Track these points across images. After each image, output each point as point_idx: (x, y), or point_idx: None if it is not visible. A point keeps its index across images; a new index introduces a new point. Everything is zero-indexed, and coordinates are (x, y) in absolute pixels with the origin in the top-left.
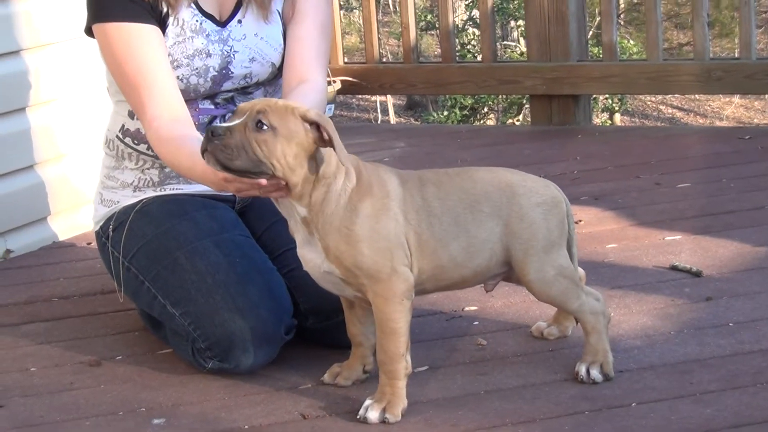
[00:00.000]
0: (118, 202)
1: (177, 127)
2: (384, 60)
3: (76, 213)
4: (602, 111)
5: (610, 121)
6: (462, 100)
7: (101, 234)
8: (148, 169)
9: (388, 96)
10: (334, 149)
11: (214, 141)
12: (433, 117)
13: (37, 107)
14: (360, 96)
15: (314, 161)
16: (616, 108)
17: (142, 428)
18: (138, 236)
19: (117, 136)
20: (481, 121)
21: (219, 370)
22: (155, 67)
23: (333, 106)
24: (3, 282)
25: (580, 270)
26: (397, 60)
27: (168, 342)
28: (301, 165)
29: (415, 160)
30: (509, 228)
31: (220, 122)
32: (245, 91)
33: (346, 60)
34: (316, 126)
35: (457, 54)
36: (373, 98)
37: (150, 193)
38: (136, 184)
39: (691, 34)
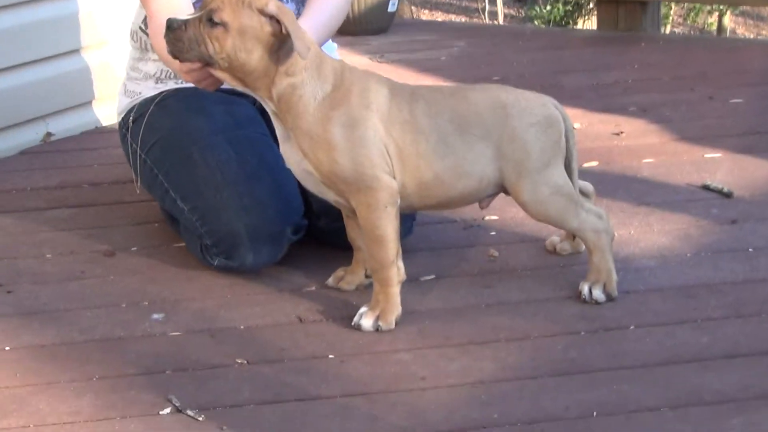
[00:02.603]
0: (140, 93)
1: None
2: None
3: None
4: (709, 13)
5: (716, 25)
6: None
7: (122, 125)
8: None
9: None
10: (293, 42)
11: (169, 34)
12: (536, 11)
13: None
14: None
15: (276, 55)
16: (723, 11)
17: (141, 322)
18: (155, 129)
19: (140, 28)
20: (585, 17)
21: (225, 267)
22: None
23: (398, 1)
24: (39, 165)
25: (589, 186)
26: None
27: (181, 236)
28: (256, 58)
29: (471, 61)
30: (501, 150)
31: None
32: None
33: None
34: (276, 20)
35: None
36: None
37: (171, 85)
38: (158, 75)
39: None
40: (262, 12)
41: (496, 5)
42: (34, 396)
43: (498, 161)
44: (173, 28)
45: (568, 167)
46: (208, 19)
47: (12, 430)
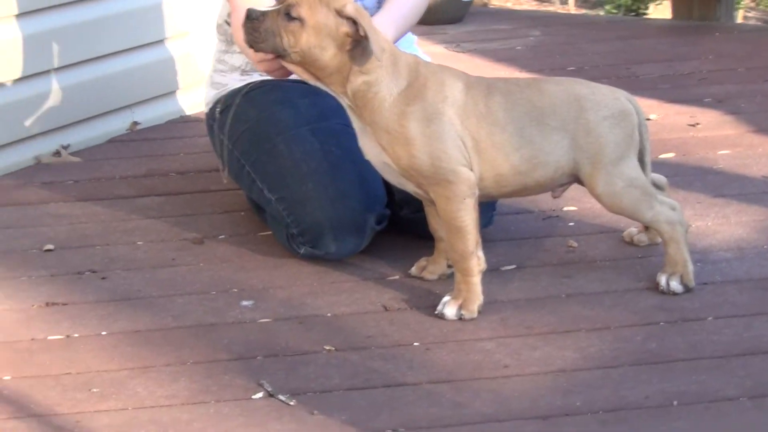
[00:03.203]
0: (226, 85)
1: None
2: None
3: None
4: None
5: None
6: None
7: (209, 116)
8: None
9: None
10: (369, 44)
11: (247, 23)
12: None
13: None
14: None
15: (350, 54)
16: None
17: (231, 309)
18: (242, 121)
19: (225, 21)
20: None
21: (311, 256)
22: None
23: None
24: (127, 153)
25: (662, 178)
26: None
27: (268, 225)
28: (329, 56)
29: (546, 50)
30: (576, 142)
31: None
32: None
33: None
34: (353, 21)
35: None
36: None
37: (256, 77)
38: (244, 67)
39: None
40: (339, 13)
41: None
42: (131, 380)
43: (573, 152)
44: (251, 18)
45: (641, 160)
46: (285, 12)
47: (111, 412)
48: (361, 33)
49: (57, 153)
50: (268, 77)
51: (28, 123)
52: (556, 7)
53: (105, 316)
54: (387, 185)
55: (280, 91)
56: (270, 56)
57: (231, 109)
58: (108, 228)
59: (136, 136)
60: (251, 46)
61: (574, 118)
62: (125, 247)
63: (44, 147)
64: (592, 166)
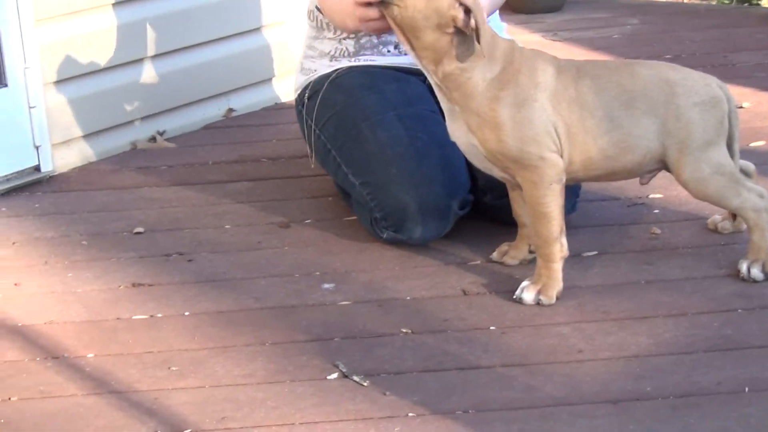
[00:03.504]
0: (315, 70)
1: None
2: None
3: None
4: None
5: None
6: None
7: (298, 101)
8: (344, 39)
9: None
10: (478, 40)
11: None
12: None
13: None
14: None
15: (449, 39)
16: None
17: (313, 291)
18: (329, 106)
19: (316, 7)
20: None
21: (394, 240)
22: None
23: None
24: (221, 140)
25: (750, 165)
26: None
27: (353, 209)
28: (427, 31)
29: (643, 39)
30: (665, 127)
31: None
32: None
33: None
34: (467, 10)
35: None
36: None
37: (345, 63)
38: (333, 53)
39: None
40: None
41: None
42: (210, 359)
43: (662, 137)
44: None
45: (730, 147)
46: None
47: (189, 390)
48: (471, 27)
49: (153, 139)
50: (357, 63)
51: (125, 109)
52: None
53: (189, 297)
54: (471, 170)
55: (367, 77)
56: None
57: (319, 94)
58: (198, 212)
59: (230, 122)
60: None
61: (664, 102)
62: (213, 231)
63: (141, 133)
64: (679, 152)
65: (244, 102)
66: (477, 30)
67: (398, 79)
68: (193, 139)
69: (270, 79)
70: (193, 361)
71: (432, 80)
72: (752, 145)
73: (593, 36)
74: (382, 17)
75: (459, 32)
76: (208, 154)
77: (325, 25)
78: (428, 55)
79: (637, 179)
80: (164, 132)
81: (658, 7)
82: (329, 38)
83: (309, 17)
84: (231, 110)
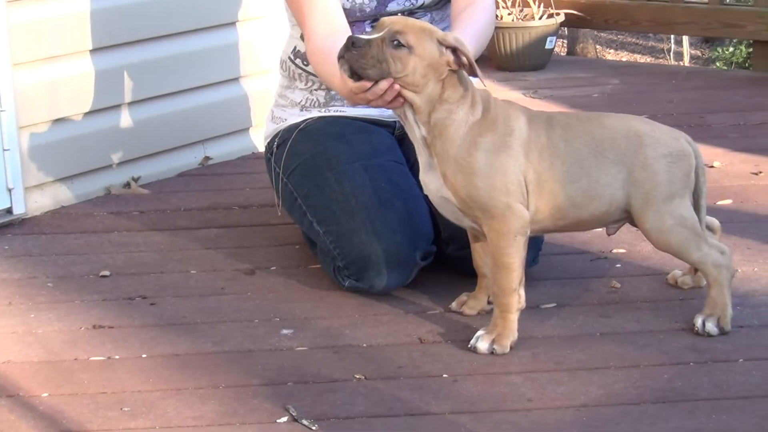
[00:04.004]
0: (285, 119)
1: (330, 41)
2: None
3: None
4: None
5: None
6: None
7: (267, 149)
8: (315, 90)
9: None
10: (473, 71)
11: (352, 50)
12: (718, 53)
13: (245, 22)
14: None
15: (441, 84)
16: None
17: (271, 336)
18: (297, 154)
19: (289, 57)
20: None
21: (355, 288)
22: None
23: (555, 38)
24: (195, 187)
25: (715, 222)
26: None
27: (318, 257)
28: (428, 85)
29: (623, 98)
30: (632, 176)
31: None
32: (412, 15)
33: None
34: (453, 50)
35: None
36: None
37: (315, 113)
38: (304, 103)
39: None
40: (441, 42)
41: (681, 46)
42: (163, 400)
43: (628, 186)
44: (358, 45)
45: (697, 203)
46: (391, 40)
47: (139, 431)
48: (464, 62)
49: (127, 185)
50: (327, 114)
51: (100, 155)
52: (670, 62)
53: (148, 339)
54: (435, 222)
55: (335, 127)
56: (369, 84)
57: (287, 143)
58: (164, 257)
59: (206, 170)
60: (356, 73)
61: (632, 152)
62: (178, 275)
63: (116, 178)
64: (644, 202)
65: (221, 150)
66: (470, 62)
67: (366, 130)
68: (168, 186)
69: (248, 129)
70: (146, 402)
71: (419, 133)
72: (719, 203)
73: (573, 94)
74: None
75: (451, 74)
76: (180, 200)
77: (297, 76)
78: (424, 108)
79: (604, 232)
80: (139, 178)
81: (640, 68)
82: (301, 88)
83: (282, 67)
84: (207, 158)
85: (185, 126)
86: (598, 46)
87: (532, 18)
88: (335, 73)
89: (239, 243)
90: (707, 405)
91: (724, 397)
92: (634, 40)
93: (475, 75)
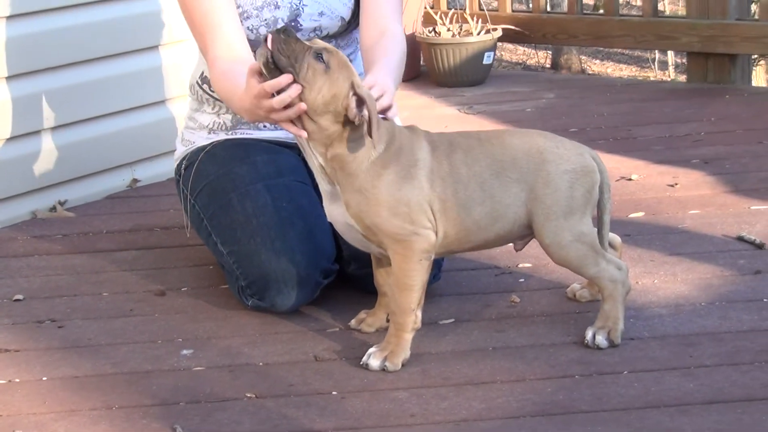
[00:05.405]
0: (194, 142)
1: (234, 66)
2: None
3: None
4: None
5: None
6: None
7: (176, 171)
8: (223, 113)
9: None
10: (370, 132)
11: (281, 35)
12: None
13: (170, 45)
14: None
15: (339, 124)
16: None
17: (171, 357)
18: (203, 176)
19: (197, 82)
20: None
21: (258, 307)
22: (220, 12)
23: (493, 53)
24: (121, 209)
25: (617, 238)
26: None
27: (225, 277)
28: (325, 117)
29: (555, 112)
30: (534, 193)
31: None
32: None
33: (514, 8)
34: (360, 100)
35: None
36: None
37: (222, 136)
38: (211, 126)
39: None
40: (353, 86)
41: (666, 55)
42: (55, 422)
43: (530, 203)
44: (290, 34)
45: (600, 219)
46: (317, 52)
47: None
48: (363, 119)
49: (53, 208)
50: (234, 136)
51: (26, 179)
52: (656, 74)
53: (50, 362)
54: (336, 241)
55: (240, 149)
56: (277, 82)
57: (195, 164)
58: (80, 279)
59: (133, 192)
60: (272, 59)
61: (534, 169)
62: (90, 298)
63: (42, 202)
64: (545, 217)
65: (150, 172)
66: (369, 122)
67: (272, 151)
68: (94, 209)
69: (174, 151)
70: (38, 424)
71: (316, 162)
72: (631, 216)
73: (507, 109)
74: (285, 109)
75: (348, 123)
76: (104, 223)
77: (204, 100)
78: (319, 138)
79: (512, 247)
80: (66, 201)
81: (576, 81)
82: (208, 112)
83: (191, 91)
84: (136, 180)
85: (113, 149)
86: (582, 57)
87: (470, 34)
88: (239, 85)
89: (156, 264)
90: (585, 417)
91: (602, 409)
92: (619, 50)
93: (370, 135)
